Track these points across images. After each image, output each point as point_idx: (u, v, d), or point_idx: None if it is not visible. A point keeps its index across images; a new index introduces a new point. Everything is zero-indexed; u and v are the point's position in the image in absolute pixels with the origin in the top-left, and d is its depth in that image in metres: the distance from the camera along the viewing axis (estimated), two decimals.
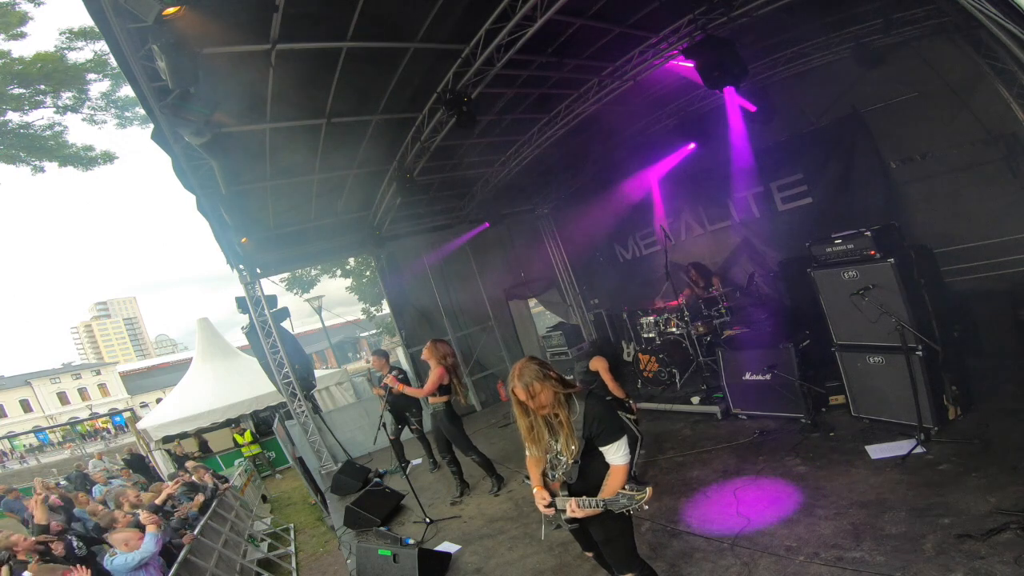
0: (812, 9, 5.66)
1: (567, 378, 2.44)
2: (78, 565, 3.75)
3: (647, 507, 2.21)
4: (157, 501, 5.56)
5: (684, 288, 7.95)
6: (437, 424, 5.45)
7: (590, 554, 2.75)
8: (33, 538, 4.37)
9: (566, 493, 2.42)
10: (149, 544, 4.01)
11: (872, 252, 4.17)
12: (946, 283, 4.85)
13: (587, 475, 2.38)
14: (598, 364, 4.79)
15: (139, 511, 4.72)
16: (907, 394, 4.00)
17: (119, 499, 5.96)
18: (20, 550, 4.16)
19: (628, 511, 2.20)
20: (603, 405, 2.39)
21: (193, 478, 7.24)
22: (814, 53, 6.70)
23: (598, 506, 2.26)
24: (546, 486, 2.53)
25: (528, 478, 2.67)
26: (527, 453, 2.61)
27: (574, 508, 2.31)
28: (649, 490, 2.22)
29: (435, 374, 5.21)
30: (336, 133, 6.15)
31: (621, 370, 5.85)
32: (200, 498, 6.06)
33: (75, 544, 4.71)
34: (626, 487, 2.25)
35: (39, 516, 4.68)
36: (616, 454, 2.32)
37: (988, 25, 2.87)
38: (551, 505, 2.46)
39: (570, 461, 2.37)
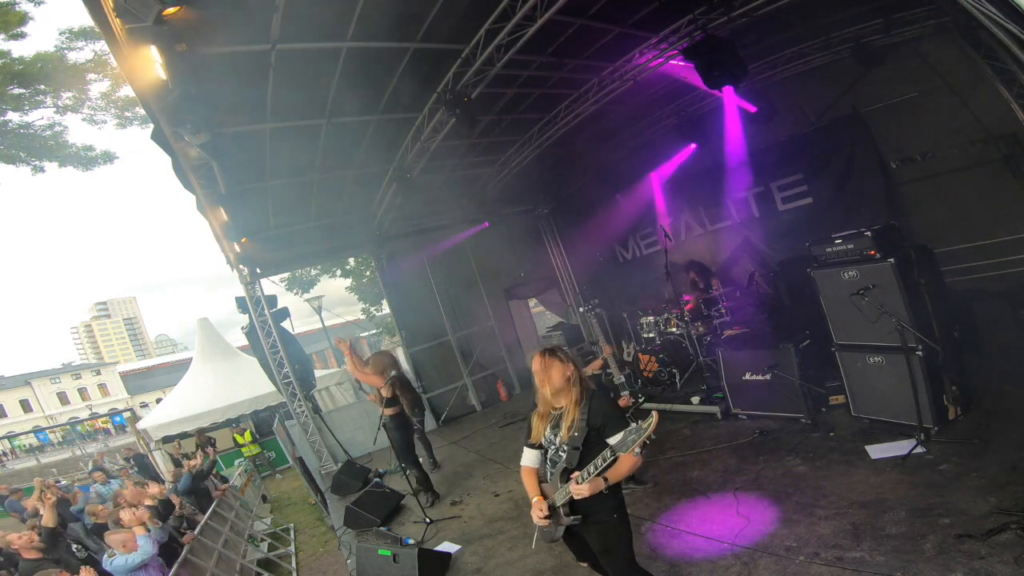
0: (812, 9, 5.66)
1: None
2: (85, 567, 3.72)
3: (655, 436, 2.19)
4: (147, 502, 5.50)
5: (685, 290, 7.94)
6: (387, 433, 5.59)
7: (585, 564, 2.72)
8: (28, 534, 4.32)
9: (565, 481, 2.40)
10: (146, 545, 4.00)
11: (872, 252, 4.16)
12: (946, 283, 4.84)
13: (587, 463, 2.35)
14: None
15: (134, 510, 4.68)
16: (907, 394, 4.00)
17: (116, 499, 5.92)
18: (18, 548, 4.13)
19: (638, 447, 2.17)
20: (608, 399, 2.51)
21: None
22: (814, 53, 6.70)
23: (608, 459, 2.23)
24: (542, 492, 2.52)
25: None
26: (523, 462, 2.60)
27: (576, 486, 2.29)
28: (655, 414, 2.21)
29: (373, 379, 5.47)
30: (336, 133, 6.15)
31: None
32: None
33: (74, 548, 4.68)
34: (632, 425, 2.26)
35: (48, 519, 4.62)
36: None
37: (988, 25, 2.87)
38: (548, 517, 2.43)
39: (570, 447, 2.37)
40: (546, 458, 2.52)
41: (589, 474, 2.27)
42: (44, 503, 4.68)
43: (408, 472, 5.62)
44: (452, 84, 5.47)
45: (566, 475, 2.40)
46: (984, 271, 6.00)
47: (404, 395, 5.59)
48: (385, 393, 5.40)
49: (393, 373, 5.49)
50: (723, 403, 5.76)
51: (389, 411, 5.52)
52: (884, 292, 4.05)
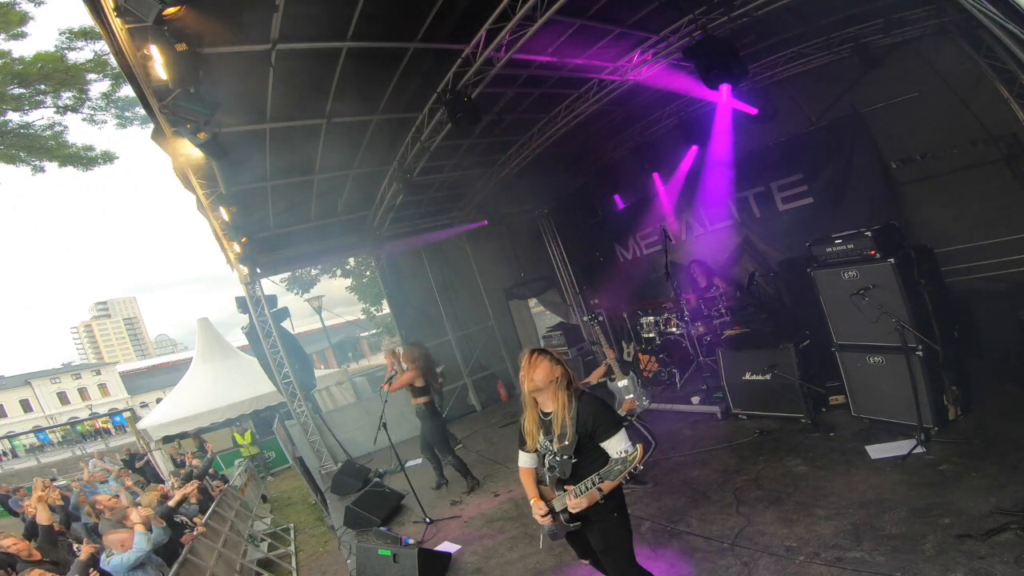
0: (812, 9, 5.66)
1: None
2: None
3: (642, 466, 2.24)
4: (171, 503, 5.48)
5: (686, 288, 7.93)
6: (421, 422, 5.82)
7: (586, 561, 2.74)
8: (27, 542, 4.30)
9: (563, 491, 2.41)
10: (140, 543, 3.98)
11: (872, 252, 4.16)
12: (946, 283, 4.84)
13: (580, 473, 2.37)
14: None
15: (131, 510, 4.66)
16: (907, 394, 4.00)
17: (95, 506, 5.87)
18: (15, 551, 4.11)
19: (626, 476, 2.20)
20: (599, 401, 2.46)
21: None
22: (814, 53, 6.69)
23: (596, 483, 2.26)
24: (541, 495, 2.53)
25: None
26: (520, 463, 2.61)
27: (572, 500, 2.31)
28: (640, 447, 2.24)
29: (407, 375, 5.65)
30: (336, 133, 6.15)
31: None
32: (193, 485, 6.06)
33: (75, 547, 4.67)
34: (621, 452, 2.28)
35: (42, 516, 4.61)
36: (618, 447, 2.34)
37: (988, 25, 2.88)
38: (548, 514, 2.46)
39: (564, 457, 2.38)
40: (544, 461, 2.53)
41: (581, 492, 2.29)
42: (38, 502, 4.66)
43: (445, 460, 5.85)
44: (452, 84, 5.46)
45: (561, 484, 2.43)
46: (984, 271, 5.99)
47: (432, 381, 5.81)
48: (418, 383, 5.62)
49: (420, 363, 5.71)
50: (723, 403, 5.76)
51: (420, 400, 5.67)
52: (884, 292, 4.04)
